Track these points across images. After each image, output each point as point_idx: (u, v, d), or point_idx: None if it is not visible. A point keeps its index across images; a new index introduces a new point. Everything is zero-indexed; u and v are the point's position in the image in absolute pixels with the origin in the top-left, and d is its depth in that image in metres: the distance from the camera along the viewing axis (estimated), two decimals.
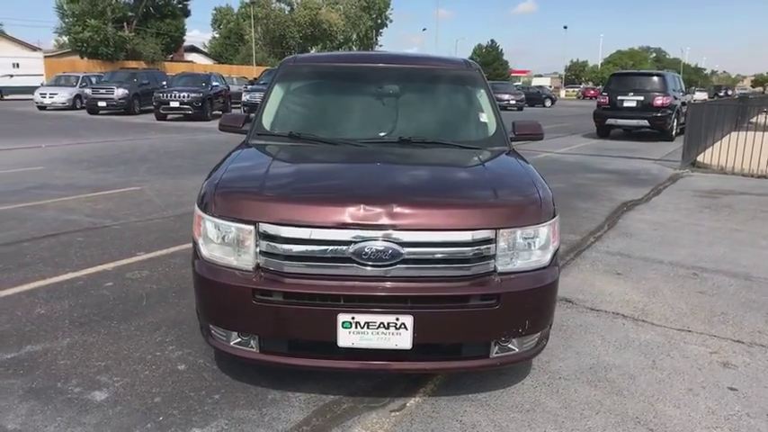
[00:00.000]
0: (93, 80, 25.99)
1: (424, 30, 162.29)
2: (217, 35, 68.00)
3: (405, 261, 2.44)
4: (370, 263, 2.43)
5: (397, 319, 2.41)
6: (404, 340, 2.44)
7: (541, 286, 2.58)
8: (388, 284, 2.44)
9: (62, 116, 21.81)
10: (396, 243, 2.42)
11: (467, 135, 3.71)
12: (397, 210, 2.45)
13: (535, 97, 42.58)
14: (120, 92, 22.30)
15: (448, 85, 4.02)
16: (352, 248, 2.42)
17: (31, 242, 5.22)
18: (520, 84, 59.90)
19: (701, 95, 40.69)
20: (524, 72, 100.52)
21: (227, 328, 2.62)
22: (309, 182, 2.83)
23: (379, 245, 2.42)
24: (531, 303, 2.57)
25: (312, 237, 2.44)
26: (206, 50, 69.23)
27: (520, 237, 2.56)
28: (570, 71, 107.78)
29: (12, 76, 32.35)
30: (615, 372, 3.15)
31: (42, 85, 27.53)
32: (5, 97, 31.73)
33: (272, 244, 2.48)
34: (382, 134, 3.59)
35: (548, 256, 2.65)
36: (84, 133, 15.65)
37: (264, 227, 2.49)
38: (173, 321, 3.61)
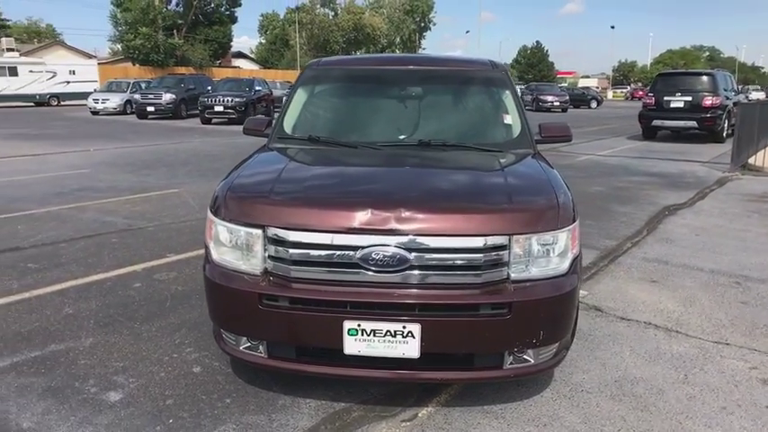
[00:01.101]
0: (143, 86, 26.93)
1: (467, 32, 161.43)
2: (263, 41, 69.47)
3: (413, 267, 2.37)
4: (377, 269, 2.37)
5: (404, 327, 2.34)
6: (411, 349, 2.37)
7: (558, 295, 2.46)
8: (395, 291, 2.37)
9: (113, 121, 22.68)
10: (403, 249, 2.36)
11: (489, 137, 3.60)
12: (406, 214, 2.38)
13: (580, 99, 41.61)
14: (167, 97, 23.00)
15: (472, 86, 3.93)
16: (359, 254, 2.37)
17: (68, 243, 5.39)
18: (565, 85, 58.76)
19: (757, 95, 38.79)
20: (570, 73, 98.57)
21: (236, 333, 2.61)
22: (319, 186, 2.79)
23: (387, 250, 2.36)
24: (546, 313, 2.45)
25: (319, 241, 2.40)
26: (253, 56, 70.82)
27: (535, 243, 2.45)
28: (618, 72, 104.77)
29: (68, 82, 33.88)
30: (642, 386, 2.98)
31: (95, 91, 28.70)
32: (62, 103, 33.27)
33: (280, 248, 2.46)
34: (402, 137, 3.54)
35: (566, 264, 2.53)
36: (131, 137, 16.19)
37: (272, 231, 2.47)
38: (193, 323, 3.65)
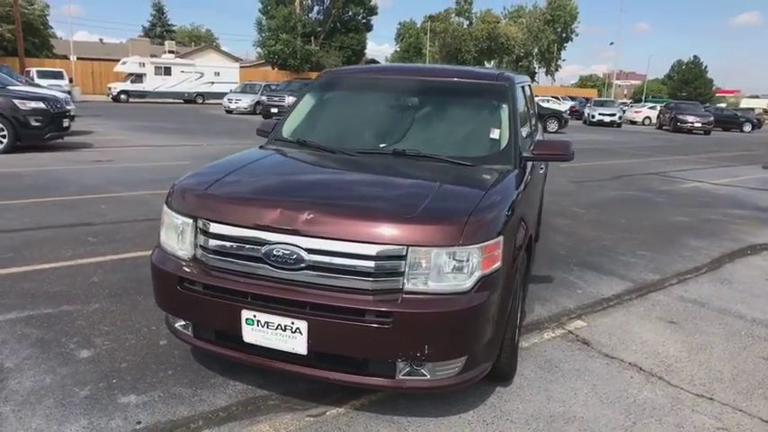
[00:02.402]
0: (272, 89, 29.06)
1: (612, 44, 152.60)
2: (398, 48, 71.45)
3: (309, 267, 2.49)
4: (276, 265, 2.52)
5: (293, 323, 2.46)
6: (299, 345, 2.48)
7: (450, 311, 2.42)
8: (289, 288, 2.50)
9: (241, 119, 24.76)
10: (301, 249, 2.48)
11: (470, 151, 3.54)
12: (308, 216, 2.50)
13: (730, 121, 37.68)
14: (289, 100, 24.56)
15: (467, 98, 3.90)
16: (263, 249, 2.54)
17: (131, 223, 6.12)
18: (723, 105, 53.50)
19: None
20: (733, 92, 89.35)
21: (165, 311, 2.90)
22: (250, 185, 2.98)
23: (286, 248, 2.50)
24: (433, 328, 2.43)
25: (232, 234, 2.61)
26: (385, 63, 73.16)
27: (435, 257, 2.44)
28: None
29: (213, 83, 37.55)
30: (576, 426, 2.80)
31: (231, 91, 31.46)
32: (206, 101, 36.94)
33: (205, 238, 2.69)
34: (382, 145, 3.62)
35: (470, 282, 2.48)
36: (249, 136, 17.56)
37: (201, 222, 2.71)
38: None
